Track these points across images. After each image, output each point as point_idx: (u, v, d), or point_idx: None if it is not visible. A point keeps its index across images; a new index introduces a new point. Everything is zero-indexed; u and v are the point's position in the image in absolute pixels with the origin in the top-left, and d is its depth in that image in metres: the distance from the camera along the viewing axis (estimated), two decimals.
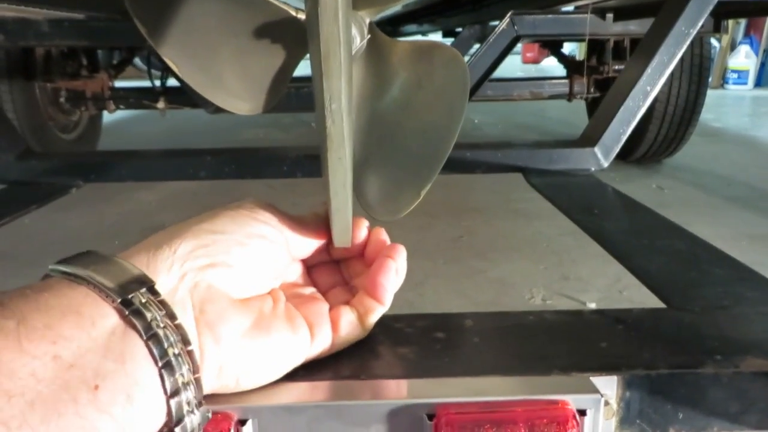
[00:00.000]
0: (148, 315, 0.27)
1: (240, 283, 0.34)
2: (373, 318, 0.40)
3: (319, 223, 0.42)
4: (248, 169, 0.91)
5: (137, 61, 2.83)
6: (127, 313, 0.27)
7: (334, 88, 0.28)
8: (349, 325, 0.38)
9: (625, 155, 2.21)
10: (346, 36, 0.27)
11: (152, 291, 0.29)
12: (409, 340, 0.37)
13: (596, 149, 0.92)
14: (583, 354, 0.33)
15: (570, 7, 1.92)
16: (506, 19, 1.77)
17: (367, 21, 0.50)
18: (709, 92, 2.27)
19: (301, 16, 0.51)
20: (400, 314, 0.42)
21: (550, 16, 1.79)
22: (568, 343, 0.35)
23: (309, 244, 0.40)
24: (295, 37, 0.53)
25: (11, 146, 0.92)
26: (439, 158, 0.54)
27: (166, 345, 0.27)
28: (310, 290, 0.41)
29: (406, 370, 0.33)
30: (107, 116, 2.35)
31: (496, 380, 0.30)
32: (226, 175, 0.90)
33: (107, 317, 0.27)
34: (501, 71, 2.16)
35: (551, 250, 1.44)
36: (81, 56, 2.16)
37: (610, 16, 1.78)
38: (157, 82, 2.15)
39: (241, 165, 0.91)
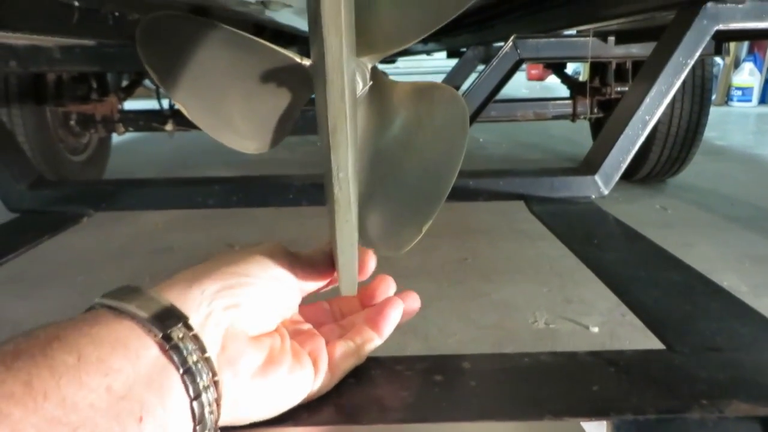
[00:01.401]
0: (184, 350, 0.30)
1: (256, 322, 0.37)
2: (370, 348, 0.42)
3: (326, 263, 0.44)
4: (255, 198, 0.93)
5: (146, 81, 2.88)
6: (167, 347, 0.30)
7: (341, 159, 0.30)
8: (346, 358, 0.40)
9: (629, 175, 2.23)
10: (352, 110, 0.29)
11: (187, 326, 0.32)
12: (409, 384, 0.38)
13: (597, 177, 0.93)
14: (575, 398, 0.35)
15: (572, 31, 1.94)
16: (509, 43, 1.79)
17: (370, 66, 0.52)
18: (714, 109, 2.29)
19: (306, 62, 0.53)
20: (400, 356, 0.44)
21: (552, 39, 1.81)
22: (562, 387, 0.36)
23: (317, 285, 0.43)
24: (301, 81, 0.55)
25: (24, 175, 0.95)
26: (440, 195, 0.56)
27: (198, 379, 0.30)
28: (307, 326, 0.43)
29: (406, 415, 0.34)
30: (116, 136, 2.38)
31: (491, 426, 0.32)
32: (234, 203, 0.92)
33: (149, 349, 0.30)
34: (505, 89, 2.18)
35: (554, 272, 1.45)
36: (91, 80, 2.20)
37: (612, 39, 1.80)
38: (165, 104, 2.19)
39: (248, 193, 0.93)
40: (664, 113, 1.98)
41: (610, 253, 0.69)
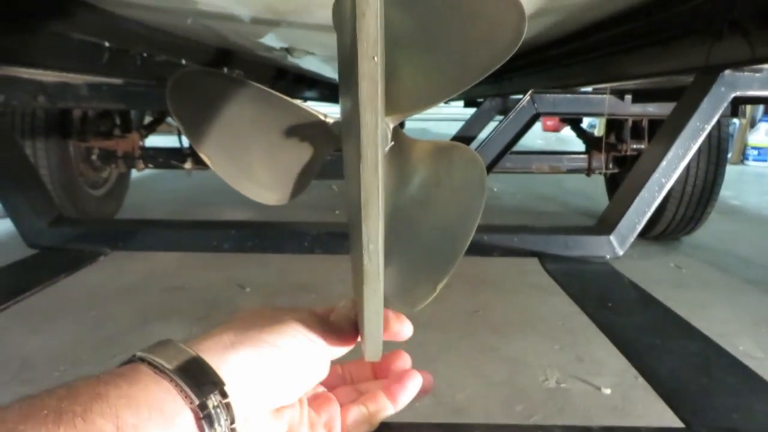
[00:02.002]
0: (216, 420, 0.31)
1: (282, 395, 0.37)
2: (382, 416, 0.42)
3: (352, 329, 0.45)
4: (270, 244, 0.93)
5: (168, 118, 2.94)
6: (201, 415, 0.31)
7: (372, 231, 0.30)
8: (359, 425, 0.40)
9: (644, 232, 2.21)
10: (383, 184, 0.30)
11: (222, 393, 0.32)
12: None
13: (612, 237, 0.93)
14: None
15: (589, 87, 1.97)
16: (526, 97, 1.82)
17: (392, 126, 0.53)
18: (729, 168, 2.29)
19: (330, 120, 0.54)
20: (411, 423, 0.43)
21: (569, 95, 1.84)
22: None
23: (344, 351, 0.44)
24: (323, 136, 0.56)
25: (45, 212, 0.96)
26: (455, 255, 0.56)
27: None
28: (321, 389, 0.43)
29: None
30: (135, 172, 2.42)
31: None
32: (249, 248, 0.93)
33: (184, 416, 0.30)
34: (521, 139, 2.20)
35: (566, 329, 1.43)
36: (115, 116, 2.25)
37: (628, 97, 1.82)
38: (185, 142, 2.23)
39: (263, 239, 0.94)
40: None
41: (625, 318, 0.68)
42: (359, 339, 0.45)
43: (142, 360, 0.33)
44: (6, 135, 0.97)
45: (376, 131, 0.26)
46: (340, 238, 0.96)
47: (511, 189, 3.53)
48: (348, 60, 0.35)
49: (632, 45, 1.28)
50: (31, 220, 0.94)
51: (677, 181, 2.03)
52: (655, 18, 1.08)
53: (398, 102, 0.53)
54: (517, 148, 1.89)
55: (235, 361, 0.34)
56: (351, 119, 0.34)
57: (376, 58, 0.24)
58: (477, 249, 0.94)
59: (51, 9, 1.08)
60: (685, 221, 2.11)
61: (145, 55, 1.59)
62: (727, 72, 0.92)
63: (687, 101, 0.95)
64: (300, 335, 0.39)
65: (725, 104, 0.92)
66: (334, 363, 0.45)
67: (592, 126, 5.65)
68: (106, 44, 1.38)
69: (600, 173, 2.26)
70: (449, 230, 0.58)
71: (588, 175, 2.26)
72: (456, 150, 0.59)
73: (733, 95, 0.92)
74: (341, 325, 0.44)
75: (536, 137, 7.52)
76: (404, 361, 0.47)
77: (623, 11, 1.13)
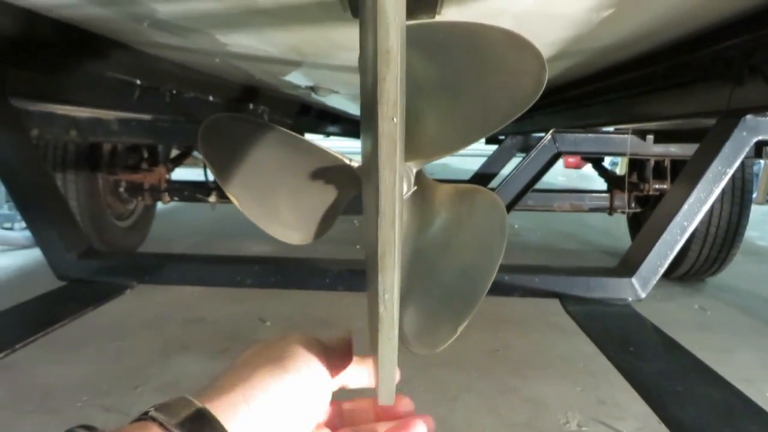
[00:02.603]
0: None
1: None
2: None
3: (347, 352, 0.47)
4: (292, 280, 0.95)
5: (195, 152, 3.00)
6: None
7: (388, 281, 0.31)
8: None
9: (667, 273, 2.17)
10: (400, 237, 0.31)
11: None
12: None
13: (634, 280, 0.93)
14: None
15: (611, 127, 1.98)
16: (548, 136, 1.83)
17: (415, 170, 0.54)
18: (755, 208, 2.26)
19: (354, 164, 0.56)
20: None
21: (591, 134, 1.85)
22: None
23: (341, 374, 0.45)
24: (347, 180, 0.57)
25: (75, 245, 0.99)
26: (476, 297, 0.57)
27: None
28: (326, 430, 0.44)
29: None
30: (160, 204, 2.47)
31: None
32: (272, 284, 0.94)
33: None
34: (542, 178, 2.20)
35: (588, 371, 1.41)
36: (143, 150, 2.30)
37: (650, 137, 1.82)
38: (210, 177, 2.27)
39: (286, 275, 0.95)
40: None
41: (647, 363, 0.68)
42: (355, 361, 0.47)
43: (153, 418, 0.33)
44: (39, 168, 1.00)
45: (394, 188, 0.27)
46: (361, 275, 0.97)
47: (531, 226, 3.51)
48: (369, 104, 0.36)
49: (654, 87, 1.29)
50: (62, 253, 0.97)
51: (701, 222, 2.01)
52: (676, 62, 1.09)
53: (421, 148, 0.54)
54: (538, 185, 1.89)
55: (243, 412, 0.35)
56: (371, 165, 0.35)
57: (395, 119, 0.25)
58: (498, 289, 0.94)
59: (87, 50, 1.12)
60: (709, 262, 2.08)
61: (174, 91, 1.64)
62: (749, 116, 0.92)
63: (709, 145, 0.96)
64: (311, 383, 0.40)
65: (747, 148, 0.92)
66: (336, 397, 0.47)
67: (614, 164, 5.63)
68: (138, 82, 1.43)
69: (622, 212, 2.25)
70: (470, 272, 0.59)
71: (610, 214, 2.25)
72: (477, 193, 0.60)
73: (755, 139, 0.92)
74: (337, 346, 0.46)
75: (558, 174, 7.51)
76: (407, 404, 0.48)
77: (644, 54, 1.15)
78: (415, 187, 0.52)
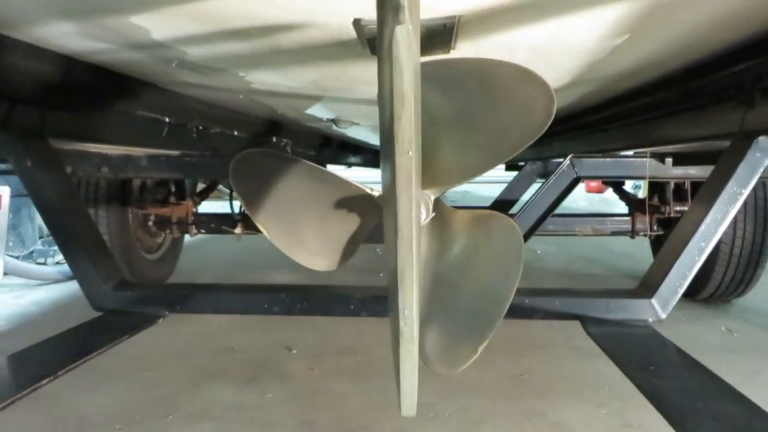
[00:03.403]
0: None
1: None
2: None
3: None
4: (318, 307, 0.98)
5: (220, 185, 3.07)
6: None
7: (407, 298, 0.34)
8: None
9: (693, 294, 2.17)
10: (418, 257, 0.34)
11: None
12: None
13: (653, 301, 0.94)
14: None
15: (630, 151, 1.99)
16: (566, 162, 1.85)
17: (433, 198, 0.58)
18: None
19: (376, 193, 0.59)
20: None
21: (609, 159, 1.86)
22: None
23: None
24: (369, 208, 0.61)
25: (111, 277, 1.03)
26: (495, 318, 0.59)
27: None
28: None
29: None
30: (188, 236, 2.53)
31: None
32: (298, 311, 0.97)
33: None
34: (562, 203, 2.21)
35: (613, 394, 1.41)
36: (170, 185, 2.37)
37: (669, 160, 1.83)
38: (237, 209, 2.32)
39: (311, 303, 0.98)
40: (726, 233, 1.96)
41: (667, 382, 0.69)
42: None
43: None
44: (76, 203, 1.05)
45: (411, 213, 0.30)
46: (384, 302, 0.99)
47: (554, 251, 3.51)
48: (387, 139, 0.39)
49: (669, 111, 1.30)
50: (98, 285, 1.01)
51: (724, 243, 2.01)
52: (689, 86, 1.12)
53: (439, 176, 0.57)
54: (559, 209, 1.91)
55: None
56: (390, 193, 0.38)
57: (410, 153, 0.28)
58: (518, 311, 0.96)
59: (119, 90, 1.18)
60: (734, 283, 2.07)
61: (200, 127, 1.70)
62: (762, 138, 0.94)
63: (723, 167, 0.97)
64: None
65: (761, 169, 0.93)
66: None
67: (637, 187, 5.59)
68: (166, 119, 1.49)
69: (644, 235, 2.25)
70: (489, 295, 0.61)
71: (632, 237, 2.25)
72: (494, 218, 0.63)
73: None
74: None
75: (579, 199, 7.47)
76: None
77: (658, 79, 1.17)
78: (434, 214, 0.55)
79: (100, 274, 1.02)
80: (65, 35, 0.84)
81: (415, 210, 0.30)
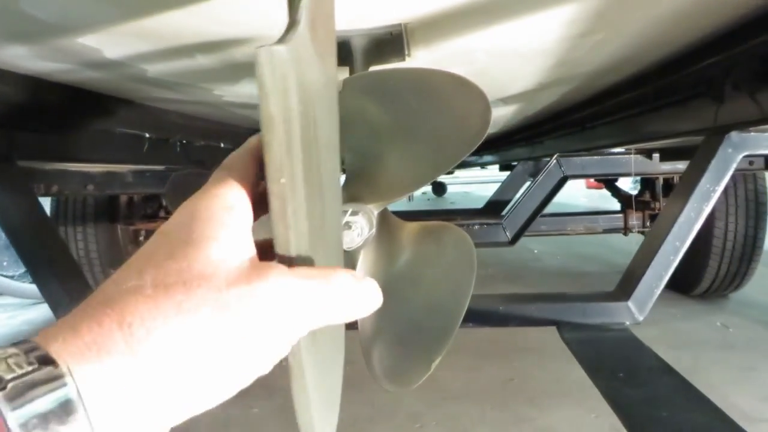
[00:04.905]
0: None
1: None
2: None
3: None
4: None
5: None
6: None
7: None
8: None
9: (688, 290, 2.15)
10: None
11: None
12: None
13: (630, 303, 0.92)
14: None
15: (621, 148, 1.97)
16: (552, 161, 1.84)
17: (376, 212, 0.56)
18: None
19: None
20: None
21: (596, 157, 1.85)
22: None
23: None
24: None
25: (80, 298, 1.02)
26: (448, 333, 0.58)
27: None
28: None
29: None
30: None
31: None
32: None
33: None
34: (563, 197, 2.19)
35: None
36: (160, 199, 2.36)
37: (656, 156, 1.82)
38: None
39: None
40: (717, 227, 1.94)
41: (635, 389, 0.67)
42: None
43: None
44: (44, 226, 1.04)
45: (288, 244, 0.28)
46: None
47: (552, 250, 3.48)
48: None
49: (649, 107, 1.29)
50: (67, 306, 1.00)
51: (716, 237, 1.98)
52: (664, 82, 1.10)
53: (381, 191, 0.56)
54: (556, 207, 1.89)
55: (130, 377, 0.23)
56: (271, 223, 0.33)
57: (282, 180, 0.26)
58: (491, 319, 0.94)
59: (92, 108, 1.17)
60: (729, 277, 2.04)
61: (183, 141, 1.69)
62: (734, 133, 0.92)
63: (697, 163, 0.96)
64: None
65: (734, 165, 0.92)
66: None
67: (637, 182, 5.56)
68: (146, 135, 1.48)
69: (638, 232, 2.23)
70: (441, 308, 0.60)
71: (625, 234, 2.23)
72: (445, 230, 0.62)
73: (741, 155, 0.92)
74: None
75: (580, 195, 7.45)
76: None
77: (635, 75, 1.16)
78: (373, 231, 0.54)
79: (69, 296, 1.01)
80: (21, 57, 0.83)
81: (293, 240, 0.29)
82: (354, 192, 0.57)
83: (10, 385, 0.20)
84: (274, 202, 0.27)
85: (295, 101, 0.27)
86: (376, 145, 0.56)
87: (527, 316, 0.95)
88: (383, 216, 0.60)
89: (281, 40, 0.29)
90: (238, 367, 0.25)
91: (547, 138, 2.42)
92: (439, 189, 8.57)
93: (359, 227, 0.53)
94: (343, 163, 0.56)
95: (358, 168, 0.58)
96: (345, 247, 0.52)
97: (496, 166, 3.74)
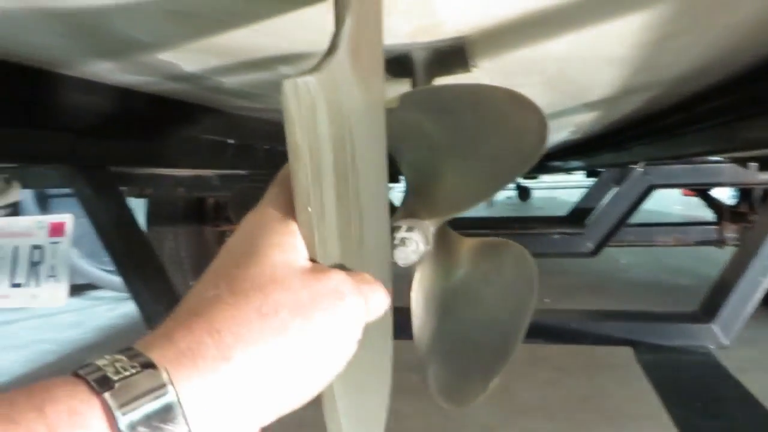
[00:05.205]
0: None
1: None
2: None
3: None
4: None
5: None
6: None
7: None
8: None
9: None
10: None
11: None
12: None
13: (714, 326, 0.87)
14: None
15: (719, 156, 1.85)
16: (638, 168, 1.76)
17: (432, 229, 0.56)
18: None
19: None
20: None
21: (687, 165, 1.74)
22: None
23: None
24: None
25: (164, 297, 1.08)
26: (507, 352, 0.56)
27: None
28: None
29: None
30: None
31: None
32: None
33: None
34: (656, 204, 2.07)
35: None
36: None
37: (753, 165, 1.69)
38: None
39: None
40: None
41: (709, 420, 0.63)
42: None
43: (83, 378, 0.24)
44: (132, 229, 1.11)
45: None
46: None
47: (641, 261, 3.32)
48: None
49: (747, 113, 1.21)
50: (151, 305, 1.05)
51: None
52: (759, 86, 1.02)
53: (438, 207, 0.55)
54: (646, 215, 1.80)
55: (226, 381, 0.25)
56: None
57: (309, 209, 0.27)
58: (563, 336, 0.91)
59: (178, 117, 1.23)
60: None
61: (267, 147, 1.74)
62: None
63: None
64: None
65: None
66: None
67: (736, 196, 5.21)
68: (230, 141, 1.54)
69: (734, 245, 2.08)
70: (500, 327, 0.58)
71: (720, 247, 2.09)
72: (505, 247, 0.60)
73: None
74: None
75: (675, 202, 7.06)
76: None
77: (722, 81, 1.08)
78: (429, 247, 0.53)
79: (154, 295, 1.07)
80: (108, 71, 0.88)
81: (324, 264, 0.29)
82: (412, 207, 0.57)
83: (117, 385, 0.22)
84: (302, 230, 0.27)
85: (324, 129, 0.27)
86: (433, 160, 0.55)
87: (601, 334, 0.91)
88: (442, 231, 0.59)
89: (316, 68, 0.29)
90: (319, 363, 0.27)
91: (633, 144, 2.31)
92: (524, 194, 8.37)
93: (415, 243, 0.53)
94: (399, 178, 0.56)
95: (417, 183, 0.58)
96: (400, 263, 0.52)
97: (583, 174, 3.61)
